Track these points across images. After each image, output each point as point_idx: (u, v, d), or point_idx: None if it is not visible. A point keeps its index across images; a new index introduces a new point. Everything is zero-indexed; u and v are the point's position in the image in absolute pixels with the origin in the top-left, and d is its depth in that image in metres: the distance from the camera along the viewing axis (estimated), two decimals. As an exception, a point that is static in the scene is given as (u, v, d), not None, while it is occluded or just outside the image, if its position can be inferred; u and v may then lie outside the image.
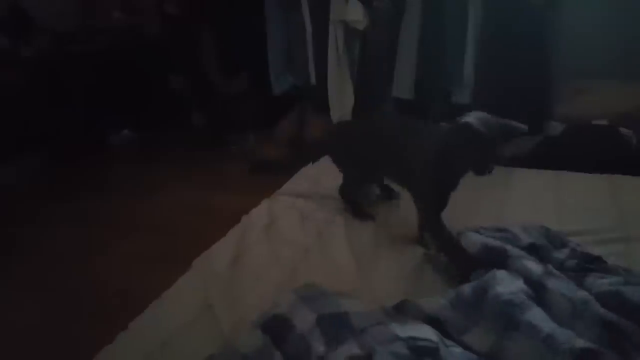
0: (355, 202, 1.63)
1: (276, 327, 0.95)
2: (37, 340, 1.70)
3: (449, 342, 0.91)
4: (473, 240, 1.23)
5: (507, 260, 1.12)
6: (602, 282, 1.06)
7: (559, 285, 1.03)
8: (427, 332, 0.90)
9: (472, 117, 1.22)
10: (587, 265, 1.17)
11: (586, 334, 0.91)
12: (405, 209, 1.56)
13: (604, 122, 2.34)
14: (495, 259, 1.14)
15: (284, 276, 1.28)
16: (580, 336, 0.90)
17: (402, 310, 1.03)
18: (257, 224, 1.56)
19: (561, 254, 1.21)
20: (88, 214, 2.64)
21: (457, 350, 0.90)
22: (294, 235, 1.49)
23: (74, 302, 1.91)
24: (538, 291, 1.03)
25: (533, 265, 1.09)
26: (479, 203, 1.63)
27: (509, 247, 1.18)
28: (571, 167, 1.85)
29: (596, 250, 1.24)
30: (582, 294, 1.01)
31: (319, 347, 0.87)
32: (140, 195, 2.80)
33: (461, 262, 1.23)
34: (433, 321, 0.98)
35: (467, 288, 1.05)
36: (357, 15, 2.50)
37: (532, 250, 1.23)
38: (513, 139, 1.31)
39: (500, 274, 1.06)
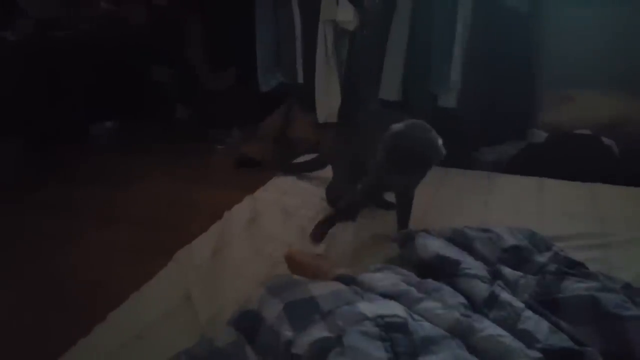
0: (339, 202, 1.62)
1: (247, 323, 0.94)
2: (13, 330, 1.66)
3: (416, 317, 0.91)
4: (428, 248, 1.20)
5: (455, 278, 1.09)
6: (579, 287, 1.07)
7: (494, 322, 0.96)
8: (394, 308, 0.91)
9: (404, 126, 1.28)
10: (567, 270, 1.18)
11: None
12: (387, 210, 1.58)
13: (586, 131, 2.38)
14: (445, 272, 1.11)
15: (264, 271, 1.27)
16: None
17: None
18: (240, 220, 1.55)
19: (543, 258, 1.22)
20: (68, 205, 2.59)
21: (426, 324, 0.90)
22: (276, 231, 1.48)
23: (52, 293, 1.86)
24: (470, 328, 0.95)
25: (479, 291, 1.04)
26: (461, 207, 1.65)
27: (466, 261, 1.14)
28: (553, 175, 1.87)
29: (576, 256, 1.25)
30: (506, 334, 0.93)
31: (287, 333, 0.87)
32: (122, 187, 2.76)
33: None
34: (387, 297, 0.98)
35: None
36: (347, 15, 2.50)
37: (515, 252, 1.24)
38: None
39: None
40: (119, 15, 3.67)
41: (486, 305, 1.01)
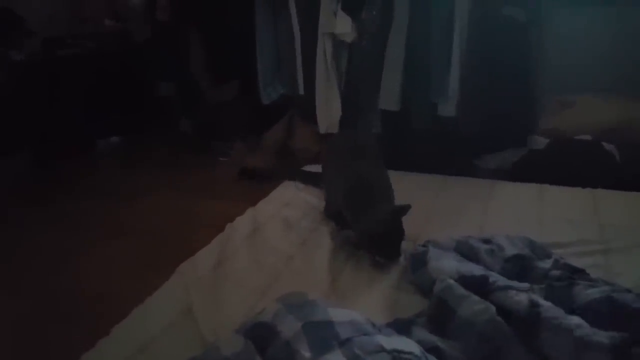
0: (337, 218, 1.59)
1: (259, 333, 0.95)
2: (17, 344, 1.68)
3: (431, 357, 0.92)
4: (445, 270, 1.18)
5: (490, 293, 1.07)
6: (592, 292, 1.06)
7: (553, 314, 0.99)
8: (410, 346, 0.91)
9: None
10: (570, 275, 1.18)
11: None
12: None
13: (587, 137, 2.38)
14: (477, 290, 1.09)
15: (266, 283, 1.28)
16: None
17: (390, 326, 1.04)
18: (242, 232, 1.55)
19: (545, 264, 1.22)
20: (73, 218, 2.61)
21: None
22: (278, 243, 1.48)
23: (56, 306, 1.89)
24: (530, 328, 0.99)
25: (519, 298, 1.04)
26: (462, 214, 1.65)
27: (491, 275, 1.14)
28: (555, 181, 1.87)
29: (577, 262, 1.25)
30: (578, 321, 0.97)
31: (305, 353, 0.87)
32: (126, 199, 2.79)
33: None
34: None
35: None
36: (345, 27, 2.52)
37: (516, 260, 1.24)
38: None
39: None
40: (123, 32, 3.73)
41: (531, 313, 1.00)
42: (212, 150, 3.39)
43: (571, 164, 2.23)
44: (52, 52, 3.40)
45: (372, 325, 0.97)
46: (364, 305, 1.15)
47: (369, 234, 1.37)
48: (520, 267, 1.23)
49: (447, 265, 1.20)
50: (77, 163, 3.31)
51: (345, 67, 2.66)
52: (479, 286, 1.10)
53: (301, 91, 2.78)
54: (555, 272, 1.18)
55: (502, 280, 1.11)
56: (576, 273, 1.19)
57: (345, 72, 2.67)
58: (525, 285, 1.12)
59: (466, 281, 1.12)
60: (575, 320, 0.97)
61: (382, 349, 0.87)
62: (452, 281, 1.12)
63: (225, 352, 0.93)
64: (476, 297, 1.05)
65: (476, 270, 1.18)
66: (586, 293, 1.06)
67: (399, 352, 0.87)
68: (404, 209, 1.39)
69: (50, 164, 3.22)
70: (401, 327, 1.06)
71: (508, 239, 1.33)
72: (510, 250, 1.27)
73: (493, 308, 1.02)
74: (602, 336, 0.92)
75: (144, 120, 3.69)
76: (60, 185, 3.04)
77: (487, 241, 1.34)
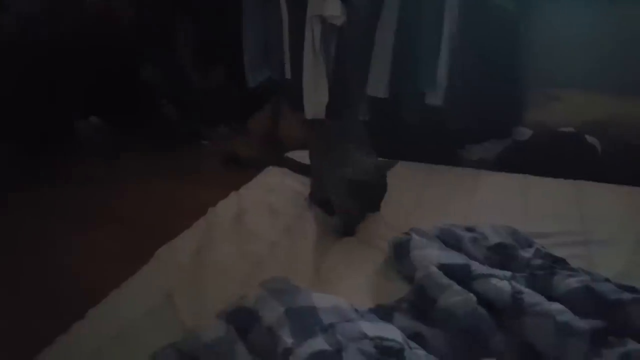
0: (323, 204, 1.59)
1: (241, 318, 0.94)
2: (5, 338, 1.64)
3: (413, 344, 0.92)
4: (427, 259, 1.18)
5: (471, 281, 1.08)
6: (571, 281, 1.07)
7: (535, 301, 1.01)
8: (393, 333, 0.91)
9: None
10: (551, 264, 1.19)
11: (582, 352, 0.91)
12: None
13: (570, 129, 2.40)
14: (458, 279, 1.09)
15: (248, 269, 1.26)
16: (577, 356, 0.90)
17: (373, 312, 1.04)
18: (224, 217, 1.54)
19: (527, 253, 1.23)
20: (52, 205, 2.56)
21: (421, 352, 0.91)
22: (262, 229, 1.47)
23: (32, 293, 1.85)
24: (512, 315, 1.00)
25: (501, 285, 1.06)
26: (446, 204, 1.65)
27: (472, 263, 1.14)
28: (538, 172, 1.89)
29: (558, 252, 1.26)
30: (559, 307, 0.98)
31: (287, 339, 0.86)
32: (107, 186, 2.74)
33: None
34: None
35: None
36: (334, 10, 2.49)
37: (499, 249, 1.25)
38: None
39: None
40: (107, 11, 3.64)
41: (514, 300, 1.01)
42: (196, 135, 3.34)
43: (554, 156, 2.26)
44: (28, 31, 3.28)
45: (355, 312, 0.97)
46: (348, 291, 1.14)
47: (350, 180, 1.33)
48: (502, 256, 1.24)
49: (429, 254, 1.20)
50: (56, 149, 3.22)
51: (334, 52, 2.64)
52: (461, 275, 1.10)
53: (288, 75, 2.75)
54: (537, 261, 1.20)
55: (483, 269, 1.12)
56: (557, 262, 1.21)
57: (334, 58, 2.64)
58: (507, 273, 1.13)
59: (448, 270, 1.12)
60: (556, 306, 0.98)
61: (365, 336, 0.87)
62: (433, 268, 1.12)
63: (206, 338, 0.92)
64: (457, 287, 1.06)
65: (458, 259, 1.18)
66: (566, 282, 1.07)
67: (382, 339, 0.87)
68: (390, 164, 1.37)
69: (30, 152, 3.13)
70: (383, 313, 1.06)
71: (492, 228, 1.34)
72: (493, 239, 1.28)
73: (474, 298, 1.02)
74: (583, 322, 0.94)
75: (126, 104, 3.60)
76: (38, 172, 2.96)
77: (470, 229, 1.35)
